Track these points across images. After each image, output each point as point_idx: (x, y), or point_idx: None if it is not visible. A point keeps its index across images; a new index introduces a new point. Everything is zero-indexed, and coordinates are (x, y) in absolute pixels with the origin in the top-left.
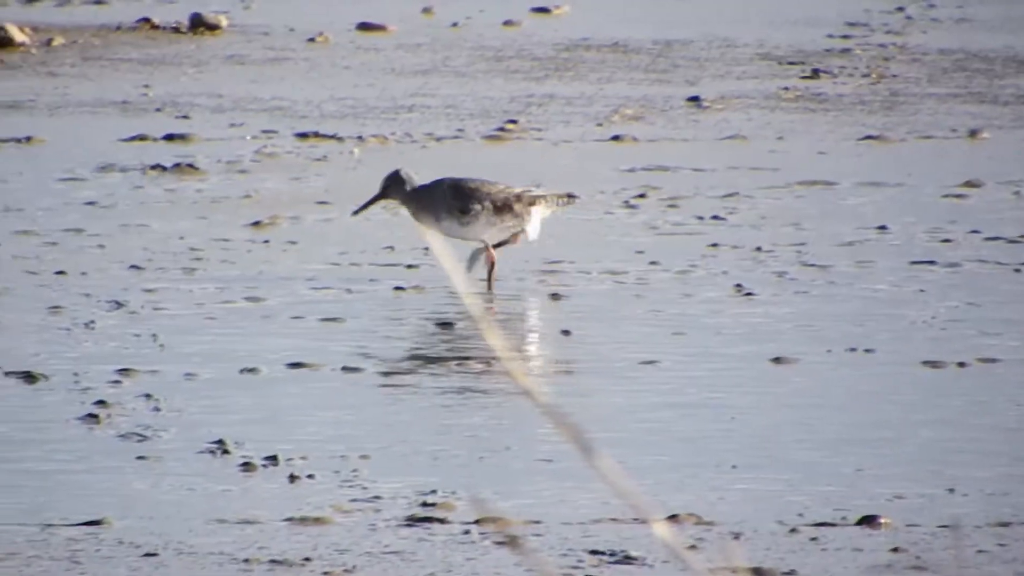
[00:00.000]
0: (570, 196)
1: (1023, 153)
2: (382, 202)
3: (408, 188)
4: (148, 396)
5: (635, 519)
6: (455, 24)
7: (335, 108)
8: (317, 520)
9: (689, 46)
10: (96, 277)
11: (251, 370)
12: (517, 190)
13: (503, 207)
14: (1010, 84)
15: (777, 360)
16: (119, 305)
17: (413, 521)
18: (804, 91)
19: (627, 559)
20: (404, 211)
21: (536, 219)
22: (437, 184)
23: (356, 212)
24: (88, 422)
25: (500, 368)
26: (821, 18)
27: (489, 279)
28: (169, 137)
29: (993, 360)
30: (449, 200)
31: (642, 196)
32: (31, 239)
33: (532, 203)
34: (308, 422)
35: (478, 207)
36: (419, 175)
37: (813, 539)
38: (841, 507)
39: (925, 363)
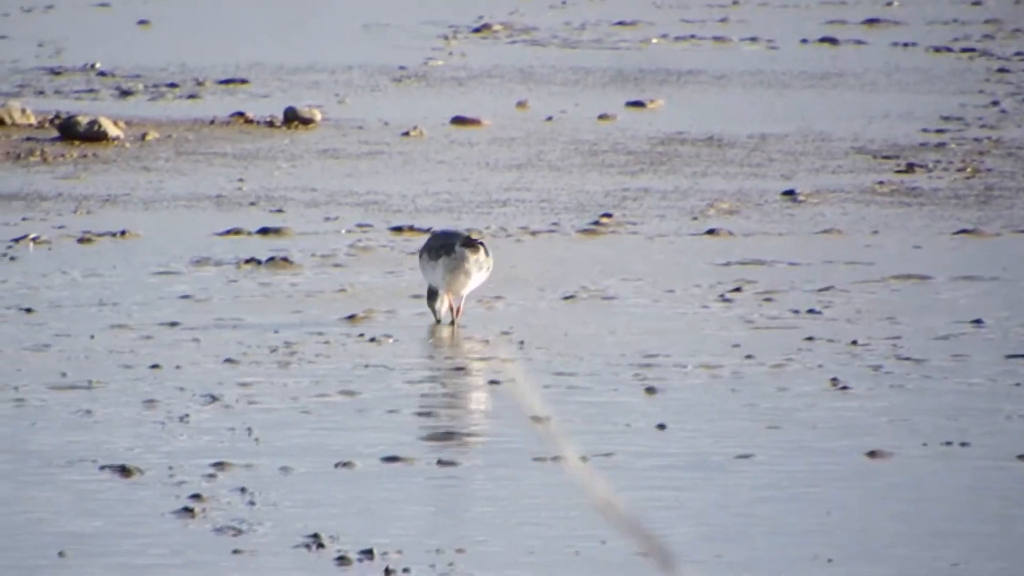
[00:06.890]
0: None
1: None
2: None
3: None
4: (243, 490)
5: None
6: (550, 118)
7: (429, 202)
8: None
9: (784, 140)
10: (191, 371)
11: (346, 464)
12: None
13: None
14: None
15: (872, 454)
16: (214, 399)
17: None
18: (899, 185)
19: None
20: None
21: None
22: None
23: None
24: (183, 516)
25: (580, 468)
26: (916, 113)
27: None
28: (264, 231)
29: None
30: None
31: (737, 290)
32: (126, 333)
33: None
34: (403, 516)
35: None
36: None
37: None
38: None
39: (1021, 457)
